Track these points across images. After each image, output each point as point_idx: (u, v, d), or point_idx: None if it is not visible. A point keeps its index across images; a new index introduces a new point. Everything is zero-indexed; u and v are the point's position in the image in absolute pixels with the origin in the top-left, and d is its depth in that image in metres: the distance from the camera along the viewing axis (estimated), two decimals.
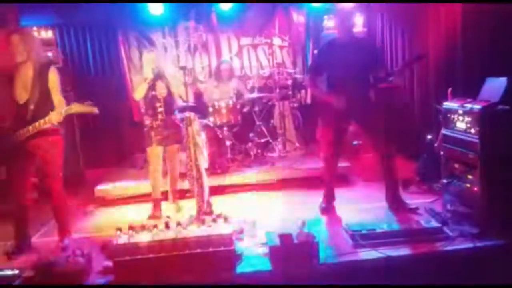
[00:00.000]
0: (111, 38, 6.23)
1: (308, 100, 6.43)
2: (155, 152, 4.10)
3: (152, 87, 4.06)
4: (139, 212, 4.35)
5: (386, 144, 3.70)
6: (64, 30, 5.97)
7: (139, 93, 4.12)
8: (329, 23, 5.94)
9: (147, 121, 4.12)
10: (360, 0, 5.47)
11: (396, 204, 3.78)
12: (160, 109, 4.05)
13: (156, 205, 4.18)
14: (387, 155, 3.71)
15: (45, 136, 3.33)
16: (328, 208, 3.91)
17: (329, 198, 3.95)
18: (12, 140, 3.28)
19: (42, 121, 3.23)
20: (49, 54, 5.29)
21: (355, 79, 3.55)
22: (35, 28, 5.35)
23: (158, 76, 4.08)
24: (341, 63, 3.54)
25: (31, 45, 3.32)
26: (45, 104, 3.27)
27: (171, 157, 4.23)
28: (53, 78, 3.33)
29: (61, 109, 3.24)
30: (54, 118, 3.20)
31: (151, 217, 4.09)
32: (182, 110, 4.18)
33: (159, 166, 4.14)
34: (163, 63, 4.36)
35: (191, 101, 5.55)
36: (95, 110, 3.29)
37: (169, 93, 4.14)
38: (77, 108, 3.25)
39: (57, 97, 3.32)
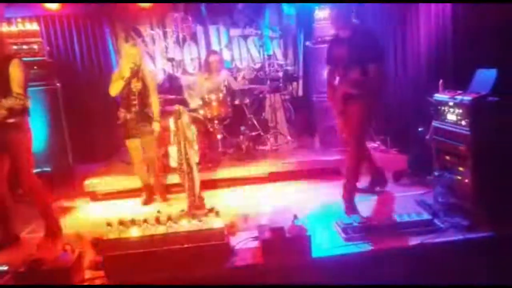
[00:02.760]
0: (98, 30, 6.12)
1: (300, 92, 6.40)
2: (133, 145, 4.20)
3: (126, 86, 4.05)
4: (129, 207, 4.31)
5: (354, 141, 3.72)
6: (49, 21, 5.85)
7: (114, 89, 4.07)
8: (320, 14, 5.89)
9: (121, 114, 4.14)
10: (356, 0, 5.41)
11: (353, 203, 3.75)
12: (134, 102, 4.07)
13: (148, 192, 4.35)
14: (352, 151, 3.74)
15: (10, 131, 3.27)
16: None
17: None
18: None
19: None
20: (34, 46, 5.17)
21: (347, 74, 3.61)
22: (19, 20, 5.22)
23: (136, 73, 4.03)
24: (337, 58, 3.71)
25: None
26: (4, 98, 3.19)
27: (147, 149, 4.23)
28: (14, 71, 3.25)
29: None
30: None
31: (145, 202, 4.32)
32: (171, 103, 4.18)
33: (139, 157, 4.25)
34: (143, 59, 4.36)
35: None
36: (27, 103, 3.32)
37: (144, 86, 4.11)
38: (6, 102, 3.18)
39: (15, 90, 3.24)
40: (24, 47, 5.12)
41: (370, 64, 3.52)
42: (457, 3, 4.14)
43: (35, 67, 5.12)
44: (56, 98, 5.27)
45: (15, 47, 5.09)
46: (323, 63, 4.16)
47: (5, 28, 5.14)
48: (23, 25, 5.20)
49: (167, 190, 4.50)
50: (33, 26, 5.25)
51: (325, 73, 4.09)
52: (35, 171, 4.94)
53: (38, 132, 5.21)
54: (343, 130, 3.91)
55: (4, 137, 3.28)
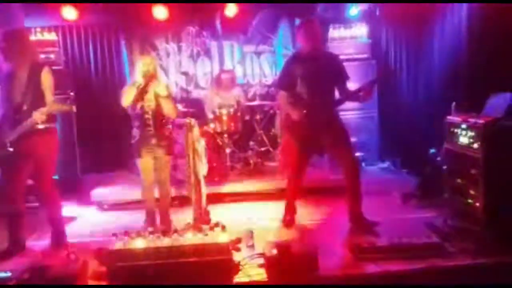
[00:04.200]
0: (114, 41, 6.23)
1: None
2: (145, 164, 3.84)
3: (140, 96, 3.73)
4: (136, 218, 4.30)
5: (352, 159, 3.63)
6: (67, 31, 5.97)
7: (127, 98, 3.73)
8: (335, 33, 5.95)
9: (135, 134, 3.81)
10: (364, 0, 5.47)
11: (358, 222, 3.64)
12: (148, 122, 3.74)
13: (150, 218, 3.94)
14: (354, 170, 3.61)
15: (38, 136, 3.30)
16: (291, 221, 3.85)
17: (291, 211, 3.89)
18: (4, 142, 3.25)
19: (26, 122, 3.20)
20: (51, 55, 5.27)
21: (321, 93, 3.55)
22: (38, 29, 5.34)
23: (150, 80, 3.71)
24: (307, 77, 3.51)
25: (25, 45, 3.31)
26: (38, 106, 3.23)
27: (160, 171, 3.88)
28: (46, 79, 3.30)
29: (44, 108, 3.20)
30: (36, 117, 3.17)
31: (144, 230, 3.73)
32: (182, 116, 4.11)
33: (151, 178, 3.89)
34: (158, 69, 3.99)
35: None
36: (73, 108, 3.37)
37: (158, 104, 3.76)
38: (56, 106, 3.26)
39: (49, 98, 3.30)
40: (41, 56, 5.23)
41: (345, 83, 3.60)
42: (473, 24, 4.12)
43: None
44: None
45: None
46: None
47: None
48: (41, 35, 5.33)
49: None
50: (51, 36, 5.37)
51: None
52: None
53: None
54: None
55: (34, 142, 3.30)
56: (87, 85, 5.88)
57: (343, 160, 3.62)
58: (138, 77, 3.75)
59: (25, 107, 3.22)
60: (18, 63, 3.28)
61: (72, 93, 5.37)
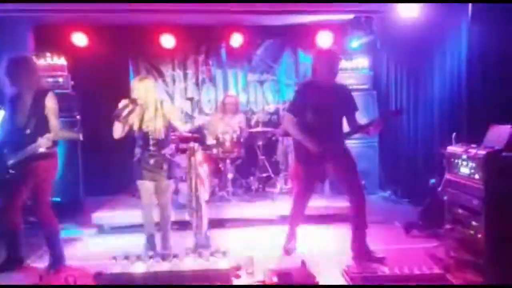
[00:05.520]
0: (122, 66, 6.36)
1: None
2: (145, 186, 3.79)
3: (140, 118, 3.69)
4: (136, 242, 4.27)
5: (360, 188, 3.62)
6: (76, 55, 6.10)
7: (116, 132, 3.68)
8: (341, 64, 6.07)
9: (137, 153, 3.78)
10: (372, 0, 5.55)
11: (363, 254, 3.60)
12: (151, 142, 3.71)
13: (149, 242, 3.89)
14: (361, 199, 3.60)
15: (40, 160, 3.35)
16: (292, 248, 3.83)
17: (293, 238, 3.87)
18: (6, 165, 3.32)
19: (31, 146, 3.25)
20: (60, 79, 5.40)
21: (332, 123, 3.60)
22: (48, 54, 5.48)
23: (136, 105, 3.62)
24: (319, 106, 3.54)
25: (30, 70, 3.39)
26: (41, 130, 3.29)
27: (161, 194, 3.83)
28: (50, 104, 3.37)
29: (50, 134, 3.27)
30: (42, 143, 3.23)
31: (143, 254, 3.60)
32: (185, 140, 4.13)
33: (151, 201, 3.84)
34: (151, 94, 3.75)
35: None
36: (80, 137, 3.40)
37: (162, 125, 3.72)
38: (63, 134, 3.36)
39: (53, 122, 3.36)
40: (50, 80, 5.37)
41: (355, 114, 3.67)
42: (473, 55, 4.18)
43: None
44: (75, 130, 5.40)
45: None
46: None
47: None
48: (51, 59, 5.46)
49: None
50: (61, 61, 5.51)
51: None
52: None
53: None
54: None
55: (36, 166, 3.34)
56: (95, 108, 5.95)
57: (352, 189, 3.61)
58: (124, 102, 3.64)
59: (28, 131, 3.28)
60: (23, 87, 3.36)
61: (78, 116, 5.48)
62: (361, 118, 3.92)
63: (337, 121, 3.65)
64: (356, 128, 3.68)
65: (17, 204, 3.45)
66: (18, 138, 3.32)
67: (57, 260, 3.52)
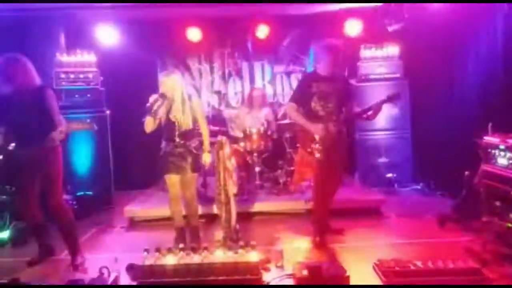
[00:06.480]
0: (149, 62, 6.43)
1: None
2: (171, 181, 3.81)
3: (168, 109, 3.74)
4: (167, 235, 4.34)
5: (340, 173, 3.95)
6: (105, 52, 6.21)
7: (148, 127, 3.72)
8: (366, 53, 5.94)
9: (163, 146, 3.82)
10: (381, 0, 5.47)
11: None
12: (175, 135, 3.73)
13: (179, 235, 3.91)
14: (337, 183, 3.93)
15: (45, 153, 3.43)
16: (321, 241, 3.80)
17: (322, 231, 3.86)
18: (17, 160, 3.44)
19: (47, 137, 3.32)
20: (90, 75, 5.53)
21: (334, 111, 3.72)
22: (78, 51, 5.59)
23: (161, 105, 3.67)
24: (324, 96, 3.71)
25: (26, 70, 3.47)
26: (45, 124, 3.36)
27: (186, 188, 3.85)
28: (48, 100, 3.44)
29: (61, 127, 3.34)
30: (55, 136, 3.33)
31: (174, 247, 3.57)
32: (214, 134, 4.14)
33: (177, 194, 3.85)
34: (178, 90, 3.75)
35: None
36: (94, 127, 3.45)
37: (188, 118, 3.75)
38: (74, 126, 3.40)
39: (56, 117, 3.43)
40: (81, 76, 5.50)
41: (352, 103, 3.85)
42: (509, 44, 4.02)
43: (88, 95, 5.49)
44: (105, 125, 5.54)
45: (72, 75, 5.48)
46: (365, 101, 4.17)
47: (65, 58, 5.55)
48: (81, 56, 5.58)
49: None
50: (90, 57, 5.62)
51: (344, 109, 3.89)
52: (78, 193, 5.18)
53: (84, 157, 5.50)
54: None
55: (44, 159, 3.44)
56: (122, 103, 6.06)
57: (334, 180, 3.85)
58: (154, 97, 3.67)
59: (32, 128, 3.37)
60: (20, 86, 3.44)
61: (108, 111, 5.60)
62: (392, 108, 3.95)
63: (338, 110, 3.77)
64: (355, 114, 3.84)
65: (32, 201, 3.54)
66: (25, 133, 3.41)
67: (72, 251, 3.57)
